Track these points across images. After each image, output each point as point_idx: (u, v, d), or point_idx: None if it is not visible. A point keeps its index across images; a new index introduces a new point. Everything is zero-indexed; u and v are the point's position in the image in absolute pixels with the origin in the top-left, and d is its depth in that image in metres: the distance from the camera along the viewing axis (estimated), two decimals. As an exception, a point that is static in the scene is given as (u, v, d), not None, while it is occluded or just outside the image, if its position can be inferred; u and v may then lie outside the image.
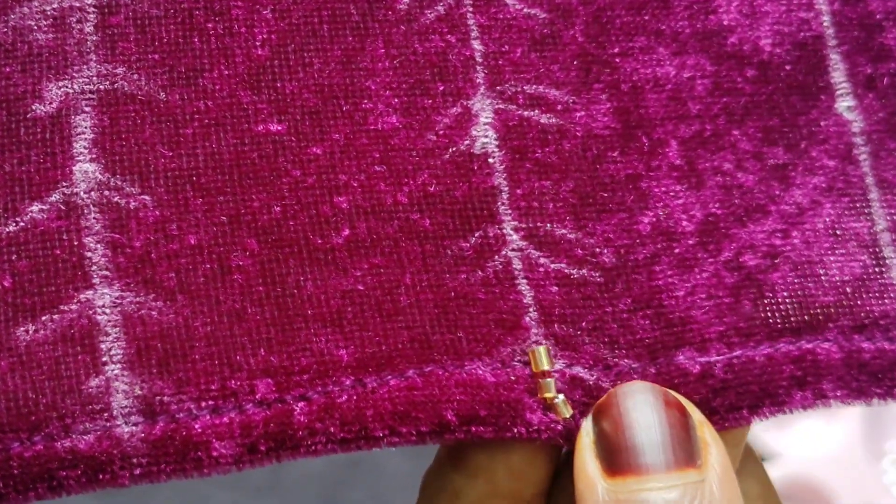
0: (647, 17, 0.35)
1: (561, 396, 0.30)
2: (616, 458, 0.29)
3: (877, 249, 0.34)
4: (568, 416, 0.30)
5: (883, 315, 0.33)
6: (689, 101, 0.35)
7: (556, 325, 0.31)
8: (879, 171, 0.35)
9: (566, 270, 0.32)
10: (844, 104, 0.36)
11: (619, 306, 0.32)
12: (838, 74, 0.36)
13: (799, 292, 0.33)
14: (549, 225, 0.32)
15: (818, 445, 0.74)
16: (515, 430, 0.30)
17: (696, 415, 0.30)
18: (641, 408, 0.29)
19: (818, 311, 0.33)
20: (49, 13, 0.30)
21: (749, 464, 0.35)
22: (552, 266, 0.32)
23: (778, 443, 0.75)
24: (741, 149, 0.34)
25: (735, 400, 0.31)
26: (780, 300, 0.33)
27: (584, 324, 0.32)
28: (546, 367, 0.31)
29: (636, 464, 0.28)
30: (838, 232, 0.34)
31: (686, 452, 0.28)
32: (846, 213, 0.35)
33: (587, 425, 0.30)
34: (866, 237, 0.34)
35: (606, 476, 0.28)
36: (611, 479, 0.28)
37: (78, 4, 0.31)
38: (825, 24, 0.36)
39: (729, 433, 0.32)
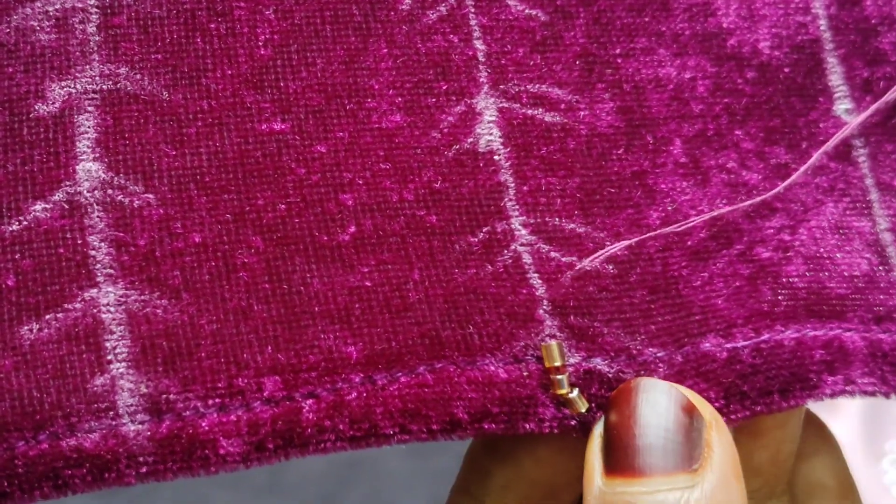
0: (647, 19, 0.35)
1: (576, 391, 0.30)
2: (614, 455, 0.28)
3: (880, 248, 0.34)
4: (584, 410, 0.30)
5: (894, 309, 0.33)
6: (692, 101, 0.35)
7: (571, 317, 0.31)
8: (878, 173, 0.35)
9: (578, 264, 0.32)
10: (842, 107, 0.36)
11: (636, 296, 0.32)
12: (836, 77, 0.36)
13: (814, 284, 0.33)
14: (557, 220, 0.32)
15: (818, 445, 0.74)
16: (527, 426, 0.30)
17: (706, 414, 0.29)
18: (646, 407, 0.29)
19: (835, 301, 0.33)
20: (52, 13, 0.30)
21: (824, 455, 0.35)
22: (563, 259, 0.32)
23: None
24: (744, 148, 0.35)
25: (765, 384, 0.31)
26: (798, 288, 0.33)
27: (600, 315, 0.31)
28: (558, 362, 0.30)
29: (632, 464, 0.28)
30: (842, 230, 0.34)
31: (683, 457, 0.28)
32: (848, 212, 0.35)
33: (601, 419, 0.30)
34: (869, 236, 0.34)
35: (604, 474, 0.28)
36: (606, 478, 0.28)
37: (80, 5, 0.31)
38: (822, 27, 0.36)
39: (775, 434, 0.32)
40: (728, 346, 0.32)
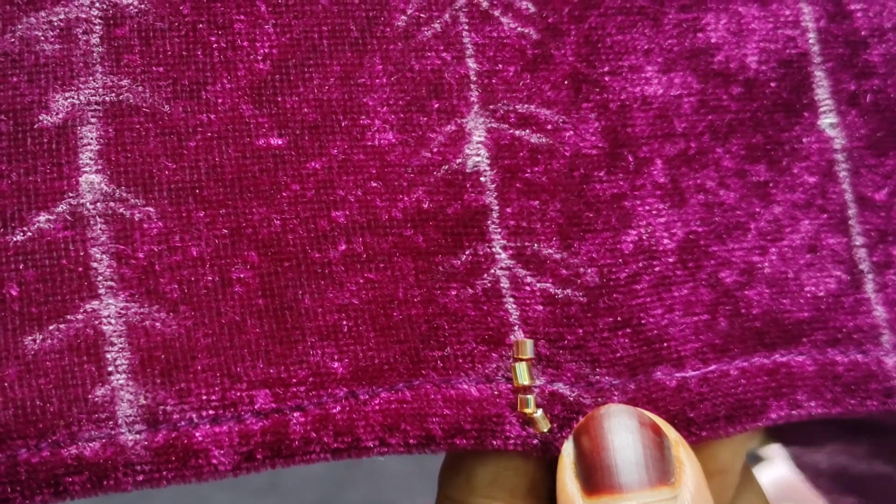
0: (636, 36, 0.36)
1: (540, 411, 0.32)
2: (593, 477, 0.30)
3: (852, 265, 0.36)
4: (546, 430, 0.32)
5: (856, 329, 0.35)
6: (675, 119, 0.36)
7: (539, 344, 0.33)
8: (859, 187, 0.36)
9: (551, 290, 0.33)
10: (827, 121, 0.37)
11: (600, 325, 0.33)
12: (822, 91, 0.37)
13: (774, 308, 0.35)
14: (536, 245, 0.33)
15: (817, 446, 0.76)
16: (495, 443, 0.32)
17: (671, 434, 0.31)
18: (618, 429, 0.31)
19: (792, 326, 0.35)
20: (56, 24, 0.31)
21: (750, 494, 0.37)
22: (538, 285, 0.33)
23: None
24: (724, 166, 0.36)
25: (711, 411, 0.33)
26: (754, 316, 0.35)
27: (565, 342, 0.33)
28: (527, 382, 0.32)
29: (612, 483, 0.30)
30: (815, 248, 0.36)
31: (660, 471, 0.30)
32: (824, 229, 0.36)
33: (568, 446, 0.31)
34: (843, 253, 0.36)
35: (584, 495, 0.30)
36: (588, 498, 0.30)
37: (84, 16, 0.31)
38: (811, 41, 0.37)
39: (716, 458, 0.34)
40: (678, 375, 0.33)
